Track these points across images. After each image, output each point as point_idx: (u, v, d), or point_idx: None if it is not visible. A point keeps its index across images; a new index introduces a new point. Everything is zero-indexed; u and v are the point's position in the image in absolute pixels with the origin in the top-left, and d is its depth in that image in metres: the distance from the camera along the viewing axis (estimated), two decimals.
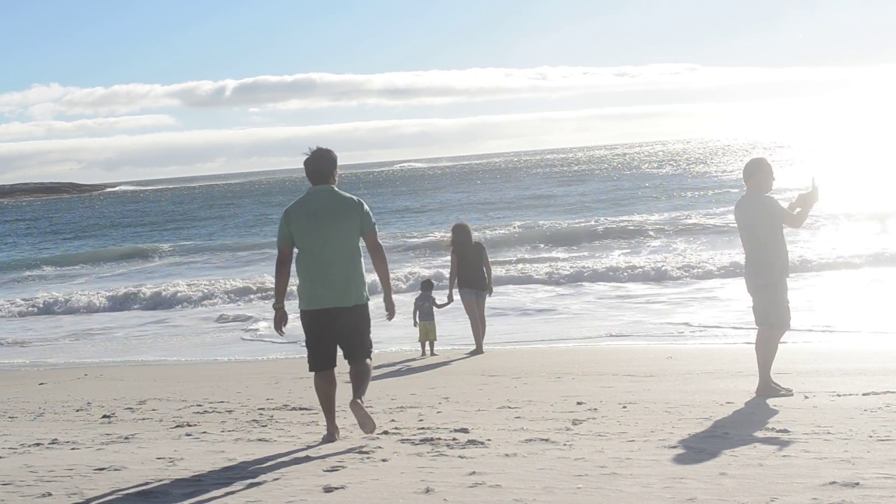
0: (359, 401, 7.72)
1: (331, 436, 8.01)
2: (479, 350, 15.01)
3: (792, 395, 9.18)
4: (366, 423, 7.75)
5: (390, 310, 7.94)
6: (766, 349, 9.31)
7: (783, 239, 9.33)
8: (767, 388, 9.27)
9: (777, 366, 11.00)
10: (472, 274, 15.08)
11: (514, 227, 40.69)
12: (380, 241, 7.90)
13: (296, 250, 7.80)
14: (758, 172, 9.36)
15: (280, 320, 7.84)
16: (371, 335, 7.98)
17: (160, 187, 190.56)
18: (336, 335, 7.78)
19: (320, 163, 7.82)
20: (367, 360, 7.93)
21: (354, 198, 7.82)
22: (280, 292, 7.83)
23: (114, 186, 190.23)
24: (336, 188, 7.85)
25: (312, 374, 7.98)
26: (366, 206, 7.82)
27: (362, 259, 7.84)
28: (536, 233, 38.32)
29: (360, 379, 7.88)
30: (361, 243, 7.87)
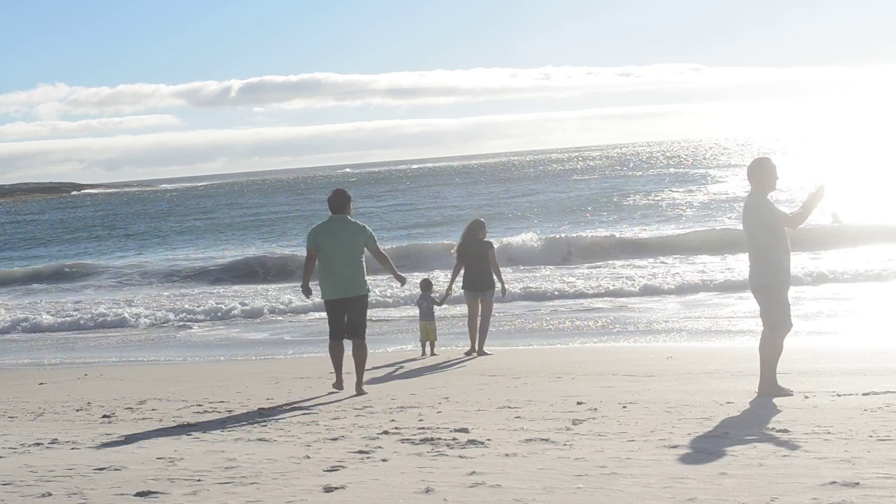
0: (362, 387, 11.11)
1: (339, 385, 11.23)
2: (472, 350, 14.82)
3: (792, 395, 9.18)
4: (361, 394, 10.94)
5: (400, 278, 11.54)
6: (767, 350, 9.32)
7: (783, 239, 9.25)
8: (771, 388, 9.27)
9: (777, 366, 10.99)
10: (473, 274, 14.69)
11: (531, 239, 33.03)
12: (381, 250, 11.25)
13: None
14: (757, 173, 9.34)
15: (307, 292, 11.34)
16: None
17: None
18: (345, 315, 11.11)
19: (338, 199, 11.18)
20: (364, 341, 11.17)
21: (360, 223, 11.16)
22: (306, 276, 11.33)
23: (93, 188, 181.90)
24: (348, 217, 11.13)
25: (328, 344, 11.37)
26: (368, 229, 11.21)
27: (364, 264, 11.12)
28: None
29: (360, 361, 11.15)
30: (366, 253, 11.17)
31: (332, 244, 10.95)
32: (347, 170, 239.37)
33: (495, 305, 15.61)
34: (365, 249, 11.05)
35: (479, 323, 14.76)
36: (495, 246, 15.35)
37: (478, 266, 14.66)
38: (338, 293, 11.02)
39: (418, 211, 60.71)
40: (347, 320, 11.11)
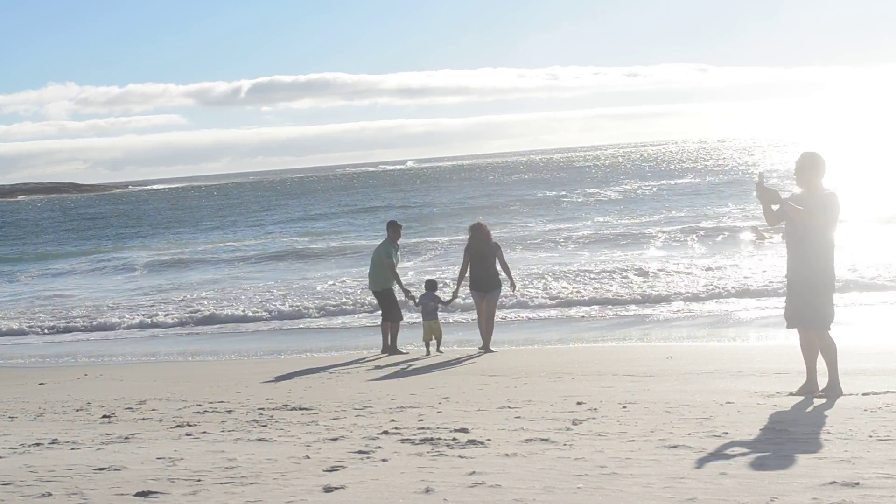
0: (396, 348, 15.61)
1: (384, 349, 15.82)
2: (485, 348, 15.10)
3: (792, 394, 9.18)
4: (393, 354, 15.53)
5: (398, 282, 16.23)
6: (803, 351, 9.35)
7: (791, 239, 9.16)
8: (832, 387, 9.14)
9: (776, 366, 11.01)
10: (481, 275, 15.17)
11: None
12: (390, 265, 15.88)
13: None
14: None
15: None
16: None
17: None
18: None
19: (388, 225, 16.55)
20: (389, 322, 15.82)
21: (386, 243, 16.11)
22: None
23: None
24: (386, 238, 16.24)
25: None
26: (386, 247, 16.05)
27: (383, 270, 15.91)
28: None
29: (387, 332, 15.70)
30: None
31: (374, 256, 16.35)
32: (367, 168, 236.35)
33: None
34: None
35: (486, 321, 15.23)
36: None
37: (484, 266, 15.15)
38: (368, 286, 16.70)
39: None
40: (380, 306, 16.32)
